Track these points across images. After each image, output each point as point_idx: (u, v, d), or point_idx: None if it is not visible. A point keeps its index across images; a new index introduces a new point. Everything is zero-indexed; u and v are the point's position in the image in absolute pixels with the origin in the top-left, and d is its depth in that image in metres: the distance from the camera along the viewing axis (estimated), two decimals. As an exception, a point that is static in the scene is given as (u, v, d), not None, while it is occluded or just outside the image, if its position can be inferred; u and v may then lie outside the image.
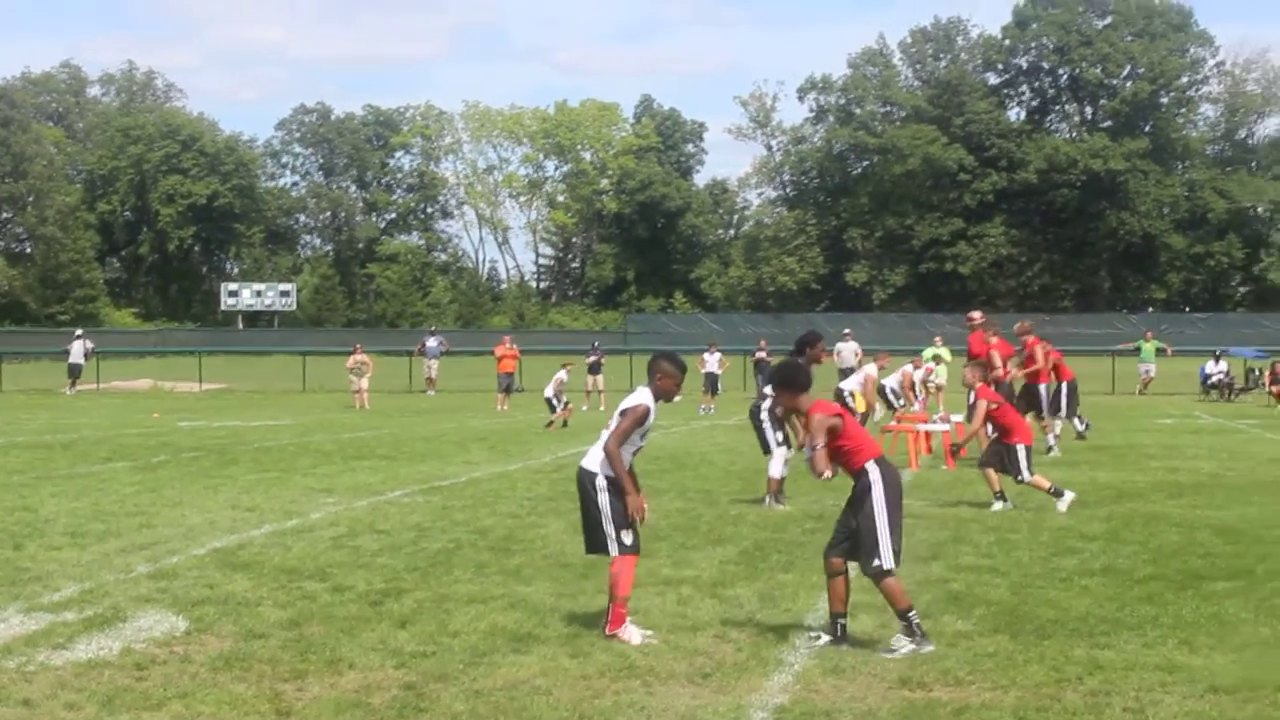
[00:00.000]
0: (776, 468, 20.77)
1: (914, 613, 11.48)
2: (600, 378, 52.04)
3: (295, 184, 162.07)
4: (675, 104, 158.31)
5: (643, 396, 12.09)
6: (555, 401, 40.82)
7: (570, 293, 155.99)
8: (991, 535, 17.45)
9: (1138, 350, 59.72)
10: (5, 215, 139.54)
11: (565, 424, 39.67)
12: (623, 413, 11.91)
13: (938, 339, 51.02)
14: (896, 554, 11.70)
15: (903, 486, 12.25)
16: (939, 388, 44.48)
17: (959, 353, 36.06)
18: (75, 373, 62.78)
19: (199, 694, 10.11)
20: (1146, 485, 23.29)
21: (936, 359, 46.49)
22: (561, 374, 42.01)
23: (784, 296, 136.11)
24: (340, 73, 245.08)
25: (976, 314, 30.22)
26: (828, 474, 12.13)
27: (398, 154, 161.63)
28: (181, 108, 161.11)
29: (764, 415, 21.04)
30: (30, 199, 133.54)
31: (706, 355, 52.47)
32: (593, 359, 52.70)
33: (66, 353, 64.57)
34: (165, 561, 15.66)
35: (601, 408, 48.88)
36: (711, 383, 50.94)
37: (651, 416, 12.08)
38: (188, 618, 12.51)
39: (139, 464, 27.73)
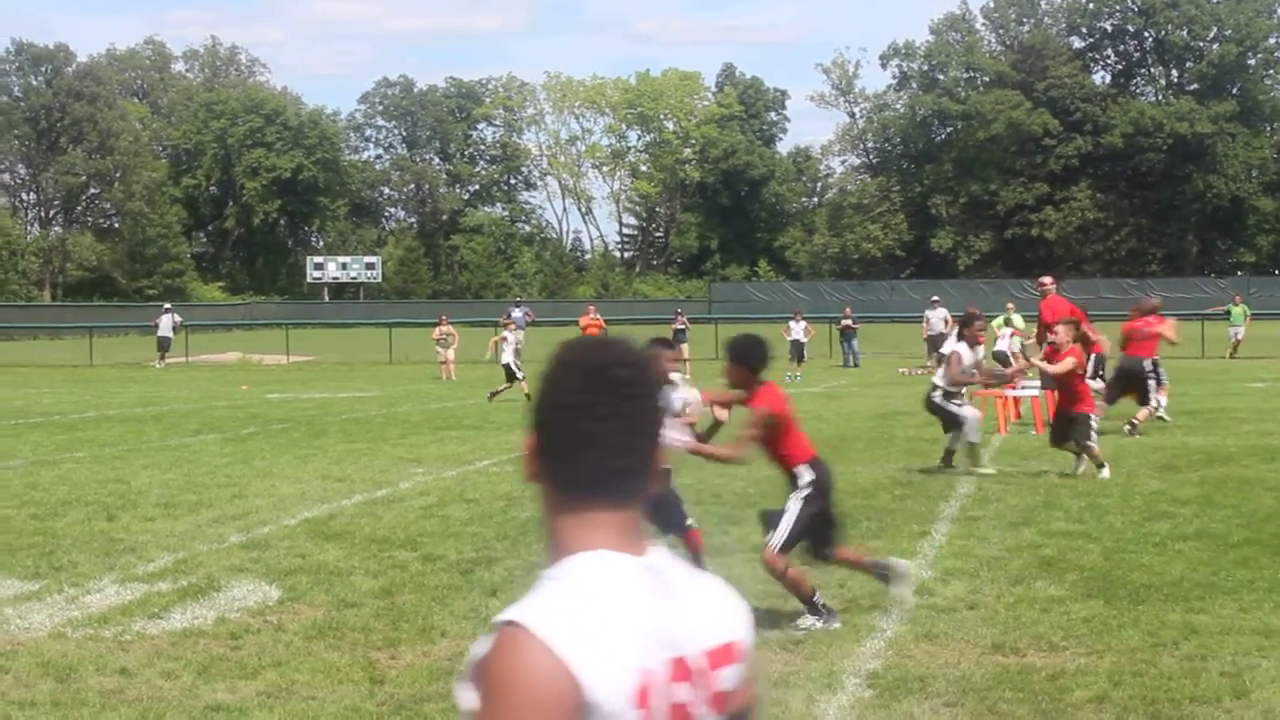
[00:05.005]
0: (974, 433, 20.52)
1: (818, 595, 11.37)
2: (685, 346, 51.82)
3: (379, 157, 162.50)
4: (757, 72, 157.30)
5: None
6: (516, 369, 39.35)
7: (654, 262, 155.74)
8: (1083, 500, 17.33)
9: (1227, 314, 59.19)
10: (93, 191, 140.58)
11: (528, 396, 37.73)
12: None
13: (1009, 305, 50.64)
14: (790, 545, 11.50)
15: (832, 487, 11.96)
16: (1014, 354, 44.02)
17: (1031, 319, 35.75)
18: (164, 346, 63.20)
19: (293, 662, 10.19)
20: (1239, 449, 23.03)
21: (1007, 323, 46.10)
22: (505, 334, 40.87)
23: (868, 264, 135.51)
24: (422, 46, 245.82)
25: (1048, 279, 29.92)
26: (728, 454, 12.01)
27: (480, 126, 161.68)
28: (265, 82, 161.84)
29: (936, 396, 20.76)
30: (117, 175, 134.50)
31: (792, 324, 52.26)
32: (678, 326, 52.59)
33: (155, 326, 64.96)
34: (257, 532, 15.78)
35: (686, 376, 48.73)
36: (798, 350, 50.75)
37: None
38: (280, 587, 12.60)
39: (229, 436, 27.92)
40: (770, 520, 11.68)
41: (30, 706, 9.28)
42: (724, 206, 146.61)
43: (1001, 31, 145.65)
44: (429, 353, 55.00)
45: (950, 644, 10.56)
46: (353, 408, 35.55)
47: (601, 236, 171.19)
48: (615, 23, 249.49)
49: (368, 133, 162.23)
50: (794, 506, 11.54)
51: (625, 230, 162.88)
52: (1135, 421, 25.49)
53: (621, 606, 2.71)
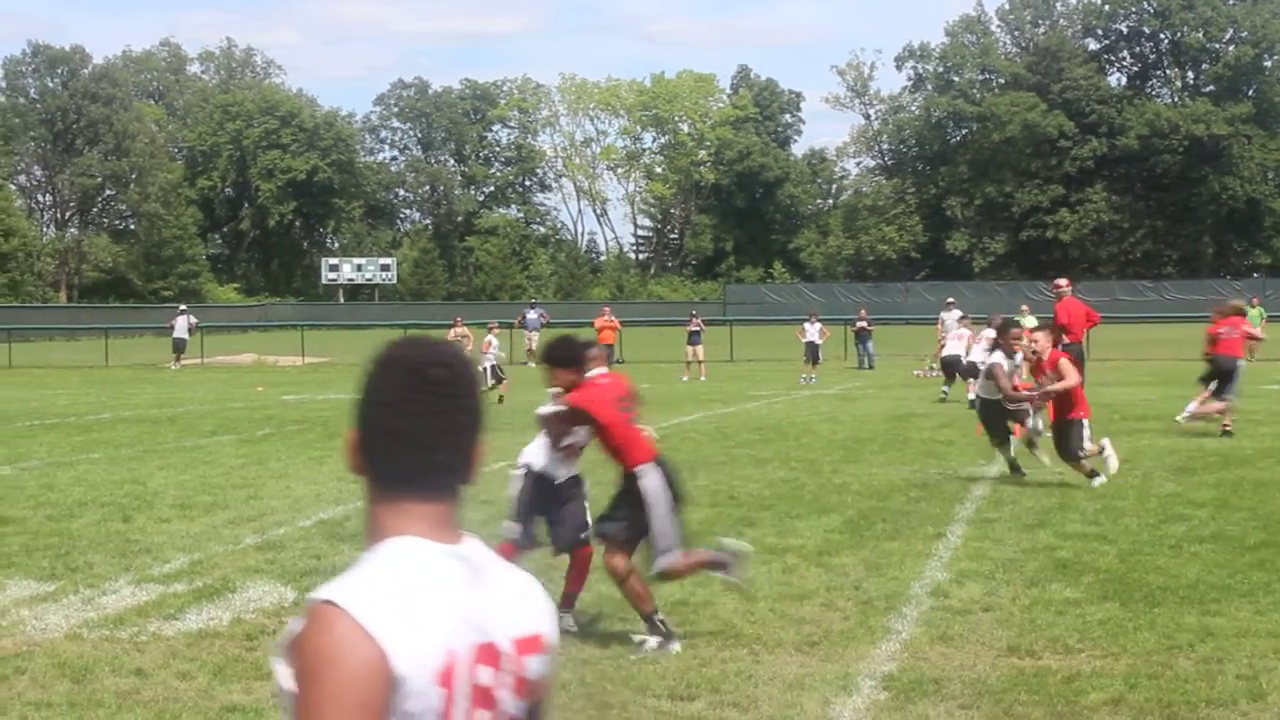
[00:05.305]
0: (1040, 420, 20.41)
1: (658, 614, 10.84)
2: (700, 348, 51.69)
3: (394, 158, 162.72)
4: (772, 74, 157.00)
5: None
6: (495, 371, 39.82)
7: (669, 264, 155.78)
8: (1098, 503, 17.31)
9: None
10: (109, 193, 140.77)
11: (500, 399, 38.19)
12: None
13: (1024, 307, 50.52)
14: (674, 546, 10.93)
15: (676, 489, 11.22)
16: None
17: (1046, 320, 35.57)
18: (179, 347, 63.24)
19: (309, 663, 10.18)
20: (1255, 451, 22.99)
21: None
22: (490, 338, 41.11)
23: (883, 265, 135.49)
24: (437, 48, 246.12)
25: (1063, 281, 29.91)
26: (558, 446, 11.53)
27: (495, 127, 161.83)
28: (280, 84, 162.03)
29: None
30: (133, 176, 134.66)
31: (807, 325, 52.13)
32: (693, 328, 52.44)
33: (170, 328, 65.05)
34: (272, 533, 15.80)
35: (702, 378, 48.74)
36: (813, 352, 50.61)
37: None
38: (296, 588, 12.62)
39: (244, 437, 27.94)
40: (609, 530, 11.16)
41: (46, 707, 9.29)
42: (739, 208, 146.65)
43: (1017, 33, 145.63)
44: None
45: (965, 646, 10.55)
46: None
47: (616, 238, 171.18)
48: (630, 25, 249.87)
49: (383, 134, 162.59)
50: (655, 509, 10.90)
51: (640, 232, 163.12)
52: (1225, 424, 25.68)
53: (430, 589, 2.83)
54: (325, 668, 2.69)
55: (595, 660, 10.30)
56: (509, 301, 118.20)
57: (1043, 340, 20.12)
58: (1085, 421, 19.49)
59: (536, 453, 11.73)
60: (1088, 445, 19.26)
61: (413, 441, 2.93)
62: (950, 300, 50.04)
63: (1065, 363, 19.55)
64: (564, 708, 9.23)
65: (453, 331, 52.86)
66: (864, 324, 56.04)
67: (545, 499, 11.70)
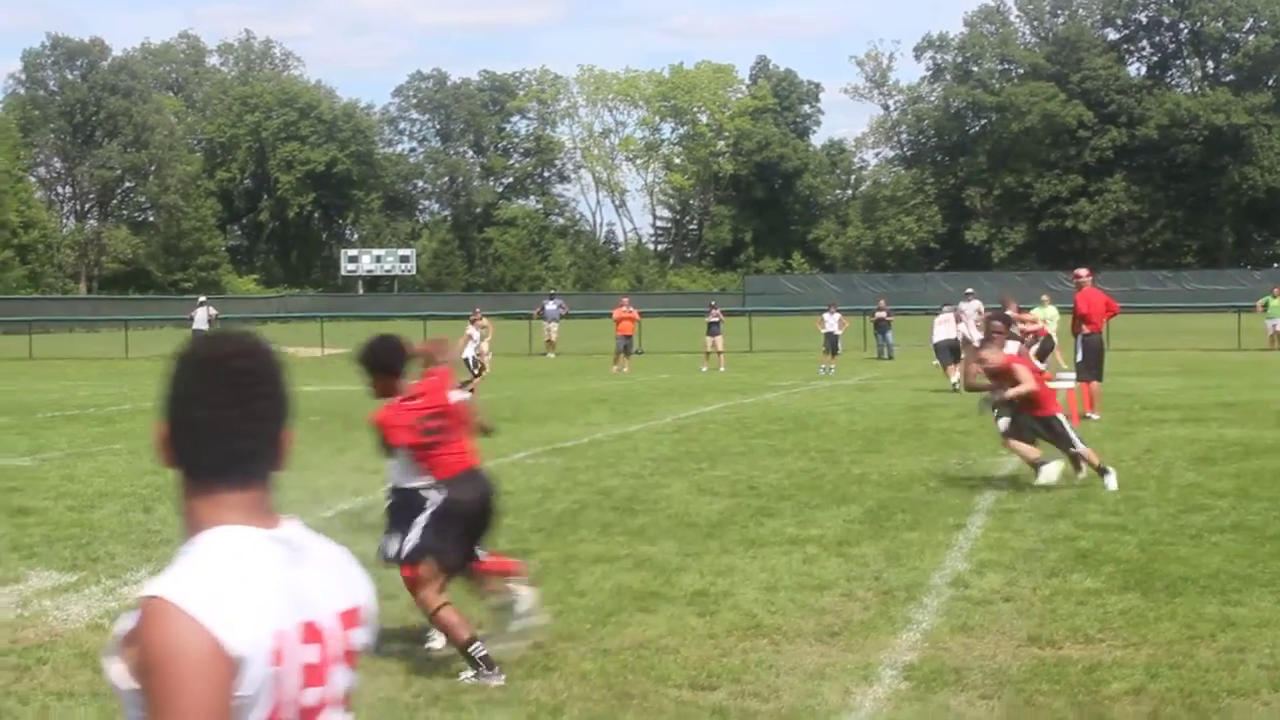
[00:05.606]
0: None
1: (477, 645, 9.75)
2: (720, 338, 51.57)
3: (413, 150, 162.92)
4: (791, 65, 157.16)
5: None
6: (472, 364, 39.81)
7: (688, 255, 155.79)
8: (1119, 493, 17.25)
9: (1264, 307, 58.90)
10: (128, 185, 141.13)
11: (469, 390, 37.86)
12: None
13: (1044, 297, 50.34)
14: (419, 557, 10.04)
15: (482, 511, 10.46)
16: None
17: (1066, 310, 35.45)
18: (199, 339, 63.46)
19: (330, 653, 10.17)
20: (1276, 441, 22.86)
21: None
22: (471, 330, 41.14)
23: (902, 256, 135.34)
24: (455, 39, 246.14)
25: (1083, 271, 29.81)
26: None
27: (514, 119, 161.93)
28: (299, 76, 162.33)
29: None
30: (152, 168, 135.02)
31: (826, 315, 52.07)
32: (712, 319, 52.34)
33: (190, 319, 65.18)
34: (293, 524, 15.80)
35: (721, 368, 48.71)
36: (831, 343, 50.53)
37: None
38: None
39: (264, 428, 27.93)
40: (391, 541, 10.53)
41: (69, 697, 9.32)
42: (758, 199, 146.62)
43: (1036, 23, 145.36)
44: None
45: (986, 636, 10.54)
46: (387, 400, 35.51)
47: (635, 229, 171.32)
48: (649, 16, 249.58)
49: (401, 126, 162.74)
50: (423, 520, 10.22)
51: (659, 223, 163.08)
52: None
53: (252, 574, 2.90)
54: (166, 662, 2.75)
55: (616, 651, 10.30)
56: (528, 292, 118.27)
57: (990, 356, 19.03)
58: (1059, 416, 18.59)
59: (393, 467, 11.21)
60: (1032, 451, 18.21)
61: (219, 433, 3.00)
62: (969, 290, 49.94)
63: (1019, 368, 18.66)
64: (584, 698, 9.24)
65: (472, 323, 52.87)
66: (883, 314, 55.96)
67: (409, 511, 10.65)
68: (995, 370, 18.65)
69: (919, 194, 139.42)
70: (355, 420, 29.50)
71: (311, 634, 2.97)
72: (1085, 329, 27.70)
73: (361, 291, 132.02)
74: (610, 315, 55.07)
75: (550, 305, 65.21)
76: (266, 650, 2.83)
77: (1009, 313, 27.28)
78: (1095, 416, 26.42)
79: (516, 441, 24.77)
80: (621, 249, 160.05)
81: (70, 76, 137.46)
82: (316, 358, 62.57)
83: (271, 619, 2.86)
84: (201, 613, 2.76)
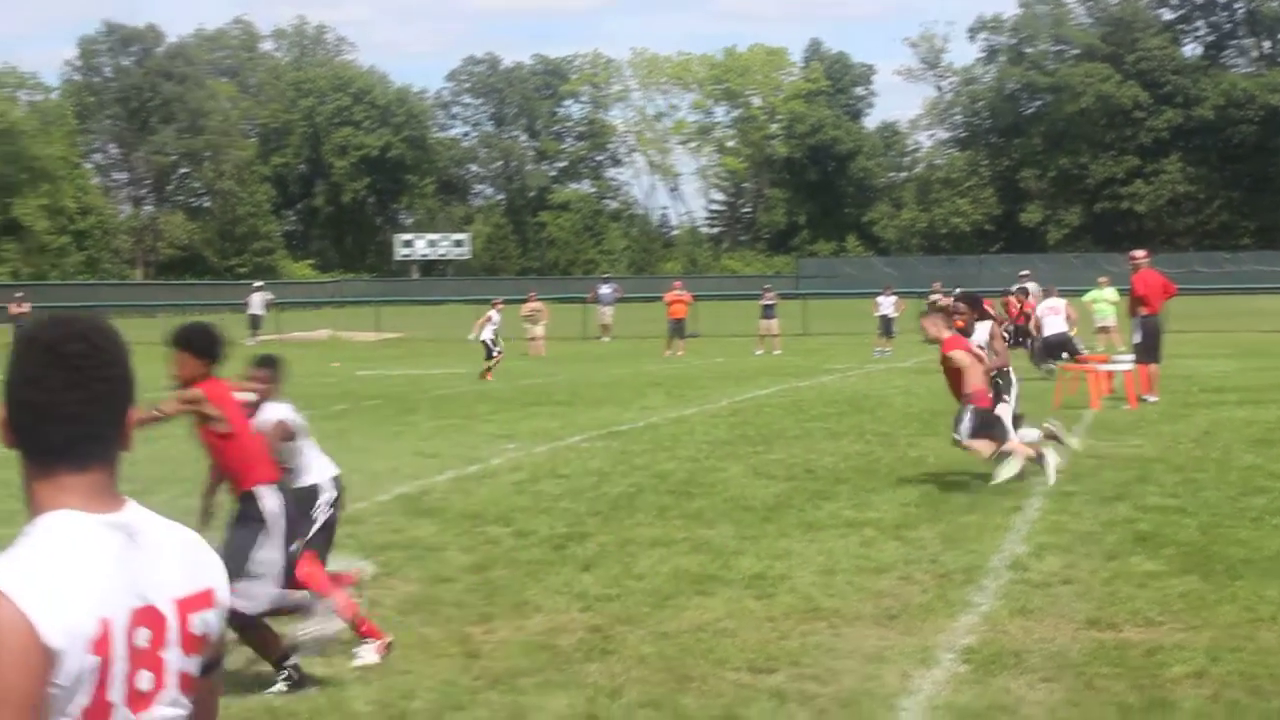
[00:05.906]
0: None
1: (290, 660, 9.40)
2: (775, 321, 51.36)
3: (466, 134, 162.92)
4: (844, 47, 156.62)
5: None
6: (492, 345, 39.78)
7: (742, 238, 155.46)
8: (1178, 475, 17.19)
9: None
10: (184, 170, 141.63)
11: (486, 374, 38.27)
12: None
13: (1102, 279, 50.03)
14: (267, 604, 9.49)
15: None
16: (1105, 329, 43.10)
17: (1124, 292, 35.20)
18: (256, 324, 63.67)
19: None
20: (1335, 423, 22.78)
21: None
22: (492, 313, 41.18)
23: (957, 238, 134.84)
24: (508, 23, 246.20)
25: (1140, 253, 29.61)
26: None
27: (567, 102, 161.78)
28: (352, 61, 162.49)
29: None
30: (207, 154, 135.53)
31: (881, 298, 52.00)
32: (766, 302, 52.19)
33: (246, 304, 65.52)
34: (351, 507, 15.85)
35: (776, 351, 48.61)
36: (886, 326, 50.45)
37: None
38: (375, 562, 12.66)
39: (322, 412, 28.01)
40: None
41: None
42: (811, 182, 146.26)
43: (1090, 4, 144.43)
44: (518, 329, 55.15)
45: (1046, 619, 10.51)
46: (443, 384, 35.64)
47: (689, 212, 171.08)
48: (699, 1, 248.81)
49: (455, 110, 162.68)
50: (241, 540, 9.58)
51: (713, 206, 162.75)
52: None
53: (81, 559, 2.93)
54: None
55: (674, 634, 10.31)
56: (582, 276, 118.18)
57: (929, 326, 18.51)
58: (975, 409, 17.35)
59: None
60: (987, 448, 17.09)
61: (57, 416, 3.03)
62: (1025, 272, 49.71)
63: (960, 354, 18.02)
64: (642, 681, 9.25)
65: (526, 306, 52.96)
66: (938, 297, 55.76)
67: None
68: (934, 342, 18.46)
69: (973, 176, 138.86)
70: (412, 405, 29.65)
71: (145, 619, 2.99)
72: (1143, 311, 27.54)
73: (416, 276, 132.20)
74: (662, 299, 54.97)
75: (605, 289, 65.24)
76: (88, 638, 2.85)
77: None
78: (1153, 399, 26.29)
79: (572, 425, 24.82)
80: (675, 232, 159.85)
81: (125, 63, 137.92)
82: (372, 342, 62.77)
83: (96, 606, 2.89)
84: (21, 599, 2.79)
